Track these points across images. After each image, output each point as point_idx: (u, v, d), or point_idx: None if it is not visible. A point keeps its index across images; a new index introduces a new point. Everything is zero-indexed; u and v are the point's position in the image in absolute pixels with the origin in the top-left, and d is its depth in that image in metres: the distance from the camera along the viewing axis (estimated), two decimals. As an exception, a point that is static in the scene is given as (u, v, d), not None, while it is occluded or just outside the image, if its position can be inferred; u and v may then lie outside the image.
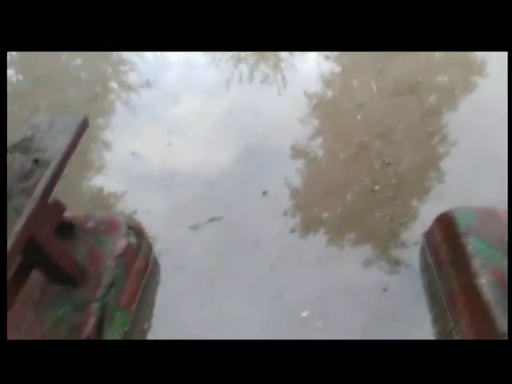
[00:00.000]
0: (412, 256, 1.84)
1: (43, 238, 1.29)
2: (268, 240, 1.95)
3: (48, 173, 1.32)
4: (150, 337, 1.68)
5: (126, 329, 1.65)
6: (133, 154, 2.53)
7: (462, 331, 1.52)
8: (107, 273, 1.57)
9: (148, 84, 3.10)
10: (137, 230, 1.79)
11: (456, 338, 1.55)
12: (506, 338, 1.29)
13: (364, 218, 1.99)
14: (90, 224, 1.74)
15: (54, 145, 1.43)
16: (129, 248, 1.70)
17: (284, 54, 3.19)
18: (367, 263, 1.83)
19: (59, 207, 1.56)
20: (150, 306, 1.79)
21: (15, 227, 1.15)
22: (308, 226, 2.00)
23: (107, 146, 2.68)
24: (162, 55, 3.36)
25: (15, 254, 1.16)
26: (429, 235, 1.85)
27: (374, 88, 2.71)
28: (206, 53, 3.32)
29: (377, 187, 2.10)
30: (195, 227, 2.04)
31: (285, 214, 2.07)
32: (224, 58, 3.25)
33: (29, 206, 1.23)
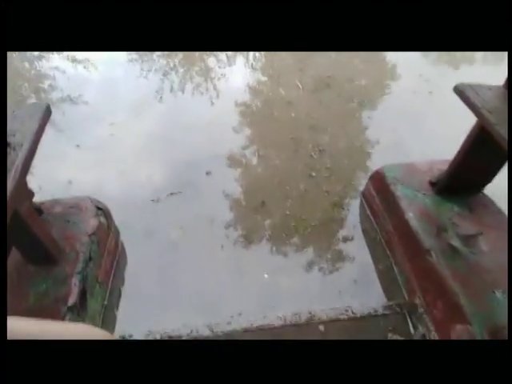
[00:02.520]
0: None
1: (25, 212, 1.36)
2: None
3: (23, 151, 1.39)
4: (124, 313, 1.77)
5: (105, 303, 1.73)
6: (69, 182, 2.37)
7: (399, 262, 1.84)
8: (83, 249, 1.65)
9: (71, 100, 3.00)
10: (105, 212, 1.88)
11: (395, 269, 1.86)
12: (432, 254, 1.61)
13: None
14: (58, 208, 1.80)
15: (22, 129, 1.50)
16: (100, 227, 1.79)
17: (212, 64, 3.38)
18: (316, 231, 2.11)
19: (29, 191, 1.61)
20: (122, 285, 1.89)
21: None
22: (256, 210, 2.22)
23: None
24: (85, 69, 3.32)
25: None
26: (365, 192, 2.17)
27: (300, 86, 3.02)
28: (133, 64, 3.37)
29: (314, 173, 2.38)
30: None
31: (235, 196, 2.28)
32: (152, 69, 3.32)
33: (10, 183, 1.30)
